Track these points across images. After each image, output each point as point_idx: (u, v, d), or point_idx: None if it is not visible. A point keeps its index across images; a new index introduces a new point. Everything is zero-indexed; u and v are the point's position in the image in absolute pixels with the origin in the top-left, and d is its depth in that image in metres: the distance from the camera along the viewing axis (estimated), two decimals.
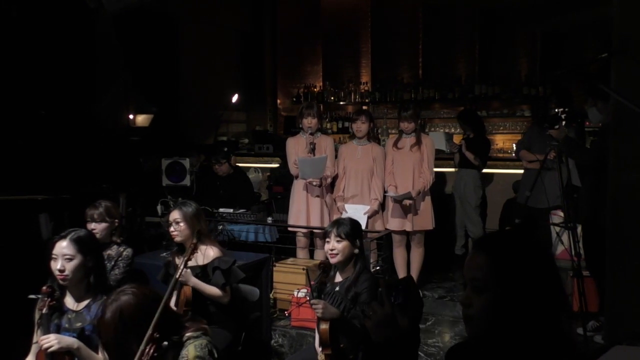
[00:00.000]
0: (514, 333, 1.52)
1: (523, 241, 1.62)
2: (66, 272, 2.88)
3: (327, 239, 3.38)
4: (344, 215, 5.11)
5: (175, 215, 3.81)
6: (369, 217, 5.33)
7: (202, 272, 3.67)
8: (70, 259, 2.90)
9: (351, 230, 3.37)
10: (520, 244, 1.61)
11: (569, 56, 8.30)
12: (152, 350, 2.18)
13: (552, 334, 1.53)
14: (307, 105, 5.62)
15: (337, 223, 3.43)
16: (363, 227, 4.97)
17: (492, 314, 1.55)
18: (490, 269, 1.55)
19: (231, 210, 5.96)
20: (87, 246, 2.98)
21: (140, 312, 2.22)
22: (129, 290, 2.26)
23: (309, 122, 5.43)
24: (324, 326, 3.09)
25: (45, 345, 2.66)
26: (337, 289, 3.35)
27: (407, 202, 5.29)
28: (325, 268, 3.33)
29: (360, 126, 5.43)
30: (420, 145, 5.38)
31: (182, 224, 3.77)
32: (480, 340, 1.60)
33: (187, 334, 2.33)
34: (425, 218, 5.42)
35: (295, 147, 5.55)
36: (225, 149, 6.64)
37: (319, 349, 3.25)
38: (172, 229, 3.80)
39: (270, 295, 4.85)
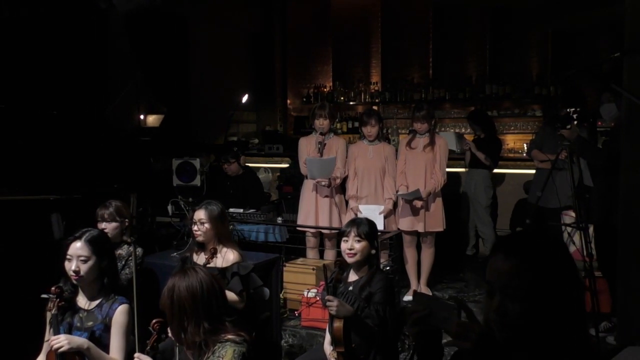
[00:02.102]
0: (546, 336, 1.46)
1: (552, 242, 1.54)
2: (81, 273, 2.89)
3: (345, 238, 3.36)
4: (359, 216, 5.09)
5: (200, 215, 3.80)
6: (384, 217, 5.31)
7: (220, 275, 3.64)
8: (86, 260, 2.90)
9: (370, 230, 3.37)
10: (551, 245, 1.53)
11: (580, 55, 8.25)
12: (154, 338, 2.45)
13: (579, 334, 1.50)
14: (319, 105, 5.61)
15: (356, 223, 3.40)
16: (380, 227, 4.97)
17: (531, 321, 1.46)
18: (528, 274, 1.45)
19: (241, 210, 5.97)
20: (102, 247, 2.99)
21: (190, 295, 2.38)
22: (190, 274, 2.44)
23: (321, 122, 5.43)
24: (338, 324, 3.07)
25: (56, 346, 2.67)
26: (351, 288, 3.35)
27: (418, 202, 5.27)
28: (342, 266, 3.32)
29: (371, 130, 5.39)
30: (434, 146, 5.34)
31: (206, 225, 3.76)
32: (508, 345, 1.51)
33: (230, 336, 2.38)
34: (436, 219, 5.39)
35: (307, 147, 5.55)
36: (235, 149, 6.66)
37: (329, 348, 3.24)
38: (195, 228, 3.79)
39: (281, 295, 4.85)
